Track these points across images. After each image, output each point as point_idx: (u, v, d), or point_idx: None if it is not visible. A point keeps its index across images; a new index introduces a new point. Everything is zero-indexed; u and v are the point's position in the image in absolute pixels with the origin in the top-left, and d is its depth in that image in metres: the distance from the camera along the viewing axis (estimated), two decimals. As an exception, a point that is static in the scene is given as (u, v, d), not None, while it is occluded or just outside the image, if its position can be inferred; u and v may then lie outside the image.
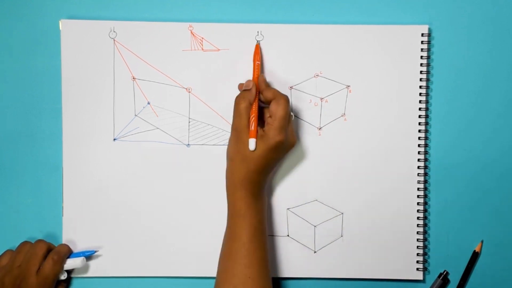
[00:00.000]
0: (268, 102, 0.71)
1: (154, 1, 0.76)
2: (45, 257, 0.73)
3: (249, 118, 0.69)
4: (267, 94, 0.70)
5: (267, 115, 0.71)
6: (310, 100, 0.76)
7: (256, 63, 0.74)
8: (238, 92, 0.74)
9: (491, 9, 0.76)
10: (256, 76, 0.73)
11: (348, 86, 0.76)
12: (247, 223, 0.69)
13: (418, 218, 0.76)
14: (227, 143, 0.71)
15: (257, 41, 0.75)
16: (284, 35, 0.75)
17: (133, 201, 0.76)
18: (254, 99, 0.70)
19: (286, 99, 0.69)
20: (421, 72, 0.75)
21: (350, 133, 0.76)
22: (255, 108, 0.70)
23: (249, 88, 0.71)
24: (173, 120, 0.76)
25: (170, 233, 0.76)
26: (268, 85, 0.72)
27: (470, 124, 0.77)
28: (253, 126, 0.68)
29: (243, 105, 0.69)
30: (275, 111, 0.68)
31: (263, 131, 0.69)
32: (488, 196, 0.77)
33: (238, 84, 0.74)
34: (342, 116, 0.76)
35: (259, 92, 0.71)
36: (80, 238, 0.76)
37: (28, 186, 0.77)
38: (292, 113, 0.73)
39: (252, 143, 0.68)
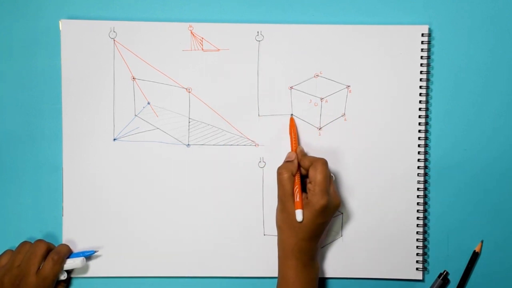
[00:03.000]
0: (306, 170, 0.71)
1: (154, 1, 0.76)
2: (45, 257, 0.73)
3: (292, 188, 0.70)
4: (304, 163, 0.71)
5: (307, 182, 0.71)
6: (310, 100, 0.76)
7: (293, 135, 0.74)
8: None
9: (491, 9, 0.76)
10: (295, 147, 0.74)
11: (348, 86, 0.76)
12: None
13: (418, 218, 0.76)
14: (275, 212, 0.73)
15: (258, 41, 0.75)
16: (284, 35, 0.75)
17: (133, 201, 0.76)
18: (296, 170, 0.71)
19: (323, 162, 0.70)
20: (421, 72, 0.75)
21: (350, 133, 0.76)
22: (297, 179, 0.70)
23: (291, 159, 0.72)
24: (173, 120, 0.76)
25: (170, 233, 0.76)
26: (304, 154, 0.74)
27: (470, 124, 0.77)
28: (297, 197, 0.69)
29: (286, 175, 0.70)
30: (314, 176, 0.69)
31: (307, 198, 0.70)
32: (488, 196, 0.77)
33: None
34: (342, 116, 0.76)
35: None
36: (80, 238, 0.76)
37: (28, 186, 0.77)
38: (332, 175, 0.73)
39: (299, 214, 0.68)
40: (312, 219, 0.69)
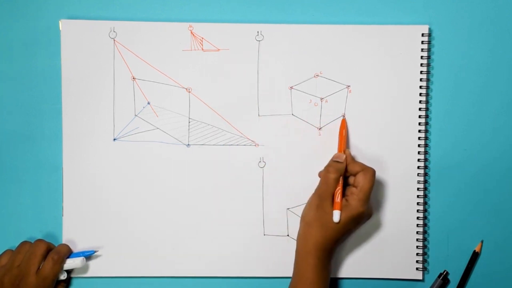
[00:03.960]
0: (353, 175, 0.71)
1: (154, 1, 0.76)
2: (44, 257, 0.73)
3: (335, 188, 0.70)
4: (354, 167, 0.71)
5: (351, 186, 0.71)
6: (310, 100, 0.76)
7: (343, 136, 0.74)
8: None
9: (491, 9, 0.76)
10: (343, 149, 0.74)
11: (348, 86, 0.76)
12: None
13: (418, 218, 0.76)
14: (305, 207, 0.72)
15: (258, 41, 0.75)
16: (284, 35, 0.75)
17: (133, 201, 0.76)
18: (343, 172, 0.71)
19: (374, 172, 0.71)
20: (421, 72, 0.75)
21: (350, 133, 0.76)
22: (341, 181, 0.70)
23: (341, 160, 0.72)
24: (173, 120, 0.76)
25: (170, 233, 0.76)
26: (353, 159, 0.73)
27: (470, 124, 0.77)
28: (338, 198, 0.69)
29: (334, 175, 0.70)
30: (362, 183, 0.69)
31: (346, 200, 0.70)
32: (488, 196, 0.77)
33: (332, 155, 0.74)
34: (342, 116, 0.76)
35: None
36: (80, 238, 0.76)
37: (28, 186, 0.77)
38: None
39: (336, 215, 0.69)
40: (347, 222, 0.69)
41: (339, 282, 0.77)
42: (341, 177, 0.71)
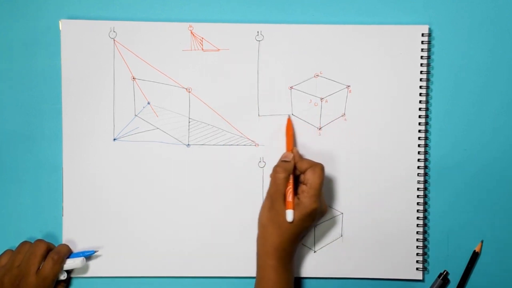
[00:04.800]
0: (302, 172, 0.71)
1: (154, 1, 0.76)
2: (44, 257, 0.73)
3: (286, 188, 0.70)
4: (303, 165, 0.71)
5: (299, 183, 0.71)
6: (310, 100, 0.76)
7: (289, 136, 0.74)
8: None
9: (491, 9, 0.76)
10: (290, 148, 0.74)
11: (348, 86, 0.76)
12: None
13: (418, 218, 0.76)
14: (260, 209, 0.72)
15: (258, 41, 0.75)
16: (284, 35, 0.75)
17: (133, 201, 0.76)
18: (292, 171, 0.71)
19: (322, 167, 0.70)
20: (421, 72, 0.75)
21: (350, 133, 0.76)
22: (292, 180, 0.70)
23: (288, 159, 0.72)
24: (173, 120, 0.76)
25: (170, 233, 0.76)
26: (301, 157, 0.73)
27: (470, 124, 0.77)
28: (290, 197, 0.69)
29: (282, 175, 0.70)
30: (312, 179, 0.69)
31: (298, 199, 0.70)
32: (488, 196, 0.77)
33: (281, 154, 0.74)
34: (342, 116, 0.76)
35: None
36: (80, 238, 0.76)
37: (28, 186, 0.77)
38: None
39: (290, 215, 0.68)
40: (301, 221, 0.69)
41: (339, 282, 0.77)
42: (291, 176, 0.70)
